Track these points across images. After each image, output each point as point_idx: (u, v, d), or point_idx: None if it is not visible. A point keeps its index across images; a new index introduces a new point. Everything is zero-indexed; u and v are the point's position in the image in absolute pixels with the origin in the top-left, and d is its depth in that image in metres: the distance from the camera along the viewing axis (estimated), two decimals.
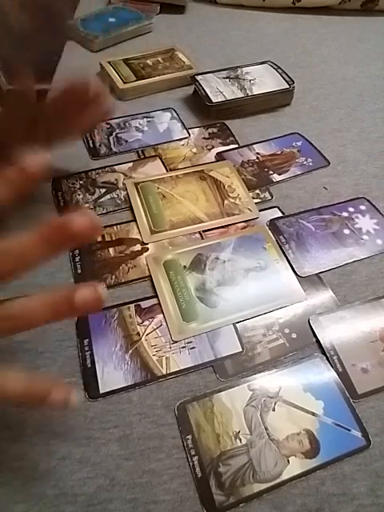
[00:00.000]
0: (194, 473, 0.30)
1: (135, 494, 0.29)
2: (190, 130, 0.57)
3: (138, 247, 0.43)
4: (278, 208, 0.47)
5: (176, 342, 0.36)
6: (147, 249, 0.43)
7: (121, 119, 0.58)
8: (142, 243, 0.43)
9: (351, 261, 0.42)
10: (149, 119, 0.59)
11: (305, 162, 0.53)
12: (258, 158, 0.53)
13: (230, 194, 0.48)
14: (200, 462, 0.30)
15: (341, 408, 0.33)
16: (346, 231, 0.45)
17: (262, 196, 0.49)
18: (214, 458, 0.30)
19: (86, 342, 0.36)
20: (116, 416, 0.32)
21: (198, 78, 0.61)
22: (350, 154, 0.55)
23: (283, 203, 0.48)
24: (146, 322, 0.37)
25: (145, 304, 0.39)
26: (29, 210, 0.46)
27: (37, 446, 0.31)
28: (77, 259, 0.42)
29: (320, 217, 0.46)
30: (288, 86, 0.60)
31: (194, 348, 0.36)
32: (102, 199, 0.48)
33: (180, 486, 0.29)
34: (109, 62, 0.66)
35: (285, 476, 0.29)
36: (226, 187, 0.49)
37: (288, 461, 0.30)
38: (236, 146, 0.55)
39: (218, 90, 0.59)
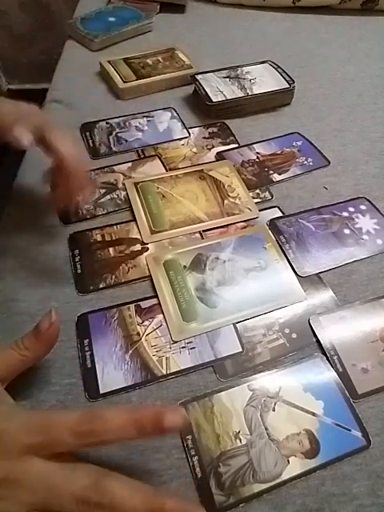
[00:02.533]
0: (194, 473, 0.30)
1: None
2: (190, 130, 0.57)
3: (137, 247, 0.43)
4: (278, 208, 0.47)
5: (176, 342, 0.36)
6: (147, 249, 0.43)
7: (121, 118, 0.58)
8: (142, 243, 0.43)
9: (351, 261, 0.42)
10: (149, 119, 0.59)
11: (305, 162, 0.53)
12: (258, 157, 0.53)
13: (229, 194, 0.48)
14: (200, 462, 0.30)
15: (341, 408, 0.33)
16: (346, 231, 0.45)
17: (262, 196, 0.49)
18: (214, 458, 0.30)
19: (86, 342, 0.36)
20: None
21: (198, 77, 0.61)
22: (350, 154, 0.55)
23: (283, 203, 0.48)
24: (146, 322, 0.37)
25: (145, 304, 0.38)
26: (29, 211, 0.47)
27: None
28: (77, 259, 0.42)
29: (320, 217, 0.46)
30: (288, 86, 0.60)
31: (194, 348, 0.36)
32: (102, 200, 0.48)
33: (180, 486, 0.29)
34: (109, 62, 0.65)
35: (285, 476, 0.29)
36: (225, 187, 0.49)
37: (288, 461, 0.30)
38: (236, 145, 0.55)
39: (218, 89, 0.59)
